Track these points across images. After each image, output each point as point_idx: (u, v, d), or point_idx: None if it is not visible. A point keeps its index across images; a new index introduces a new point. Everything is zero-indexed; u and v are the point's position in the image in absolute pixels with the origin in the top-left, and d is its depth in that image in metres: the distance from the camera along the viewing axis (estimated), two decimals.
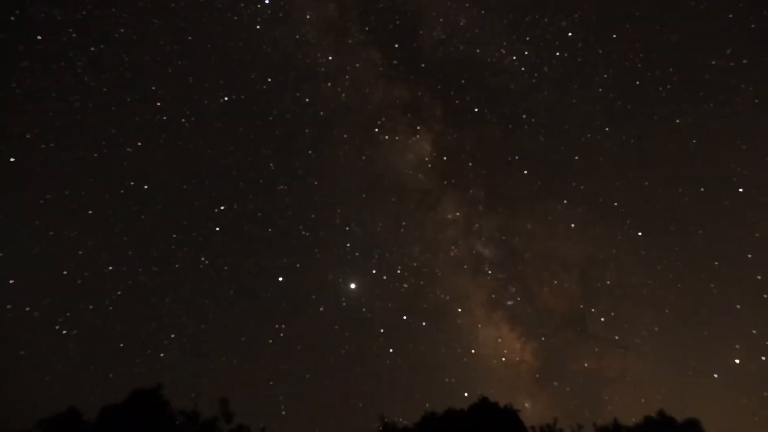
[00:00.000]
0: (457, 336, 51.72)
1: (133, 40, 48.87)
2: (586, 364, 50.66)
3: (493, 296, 54.61)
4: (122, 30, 48.19)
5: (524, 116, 58.95)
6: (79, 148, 45.59)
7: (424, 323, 51.02)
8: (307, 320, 49.01)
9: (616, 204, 54.33)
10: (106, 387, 38.85)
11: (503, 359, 51.25)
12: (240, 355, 45.40)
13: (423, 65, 60.15)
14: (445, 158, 59.55)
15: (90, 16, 46.66)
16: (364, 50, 58.87)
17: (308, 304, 49.46)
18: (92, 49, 46.76)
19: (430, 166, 58.89)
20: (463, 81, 59.98)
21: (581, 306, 53.35)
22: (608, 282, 53.17)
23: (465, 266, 56.01)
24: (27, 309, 38.85)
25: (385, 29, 59.60)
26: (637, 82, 56.26)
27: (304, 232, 52.22)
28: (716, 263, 49.76)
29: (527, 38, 58.60)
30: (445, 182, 58.51)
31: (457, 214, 57.46)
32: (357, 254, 52.85)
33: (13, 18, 42.64)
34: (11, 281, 39.12)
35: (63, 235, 42.57)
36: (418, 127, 59.42)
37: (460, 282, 55.31)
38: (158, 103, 49.11)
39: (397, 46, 59.77)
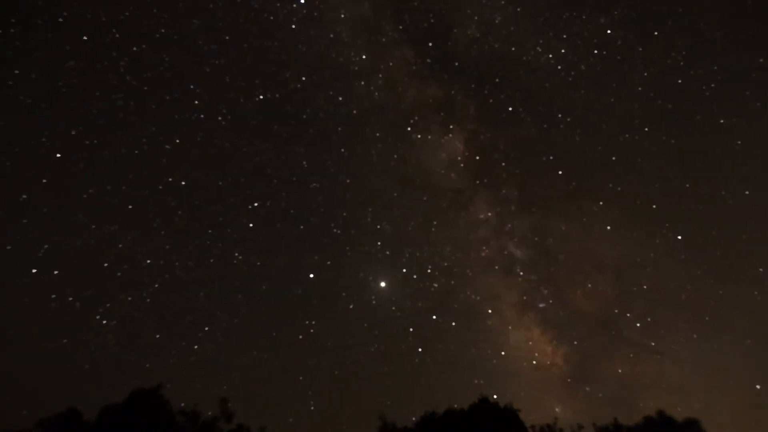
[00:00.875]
0: (488, 337, 51.00)
1: (173, 40, 50.55)
2: (620, 370, 49.28)
3: (525, 298, 53.65)
4: (163, 30, 49.93)
5: (560, 115, 57.78)
6: (120, 145, 47.33)
7: (453, 323, 50.53)
8: (337, 318, 49.20)
9: (654, 206, 52.64)
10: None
11: (534, 362, 50.31)
12: (271, 349, 45.94)
13: (456, 64, 59.65)
14: (477, 157, 58.89)
15: (132, 16, 48.70)
16: (398, 49, 58.88)
17: (338, 301, 49.71)
18: (134, 49, 48.60)
19: (462, 165, 58.35)
20: (497, 80, 59.21)
21: (616, 310, 51.84)
22: (645, 286, 51.53)
23: (496, 267, 55.24)
24: (70, 299, 40.67)
25: (418, 28, 59.44)
26: (679, 81, 54.35)
27: (335, 230, 52.61)
28: (761, 269, 47.71)
29: (564, 36, 57.41)
30: (478, 182, 57.85)
31: (489, 214, 56.75)
32: (388, 253, 52.84)
33: (61, 20, 44.58)
34: (55, 272, 40.95)
35: (104, 229, 44.30)
36: (451, 126, 58.96)
37: (491, 283, 54.60)
38: (196, 102, 50.46)
39: (430, 44, 59.50)
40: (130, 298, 42.97)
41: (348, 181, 54.44)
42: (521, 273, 54.42)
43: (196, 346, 43.09)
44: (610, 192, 54.14)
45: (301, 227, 51.92)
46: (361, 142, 56.58)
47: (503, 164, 57.78)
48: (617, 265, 53.57)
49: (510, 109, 58.45)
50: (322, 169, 54.24)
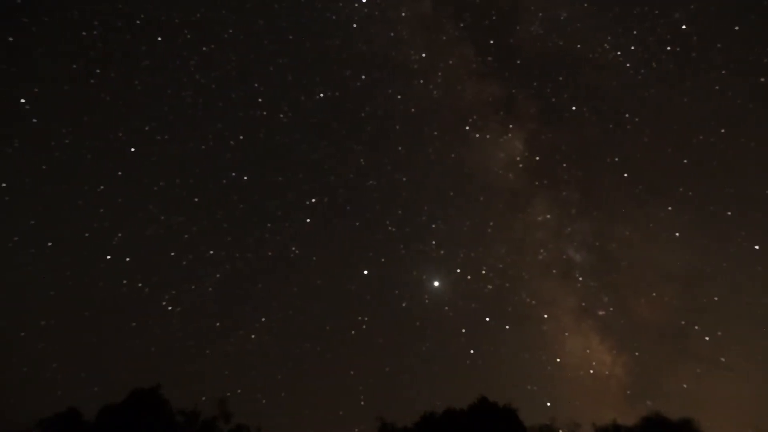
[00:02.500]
0: (542, 343, 49.44)
1: (240, 40, 52.32)
2: (685, 385, 46.49)
3: (583, 304, 51.70)
4: (231, 31, 51.71)
5: (627, 115, 55.02)
6: (188, 141, 49.69)
7: (507, 326, 49.44)
8: (390, 315, 49.26)
9: (729, 213, 49.11)
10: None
11: (591, 371, 48.36)
12: (324, 343, 46.90)
13: (518, 61, 58.05)
14: (537, 158, 57.10)
15: (203, 18, 50.62)
16: (458, 47, 58.03)
17: (391, 298, 49.76)
18: (204, 48, 50.71)
19: (521, 165, 56.77)
20: (560, 78, 57.10)
21: (682, 322, 48.91)
22: (716, 298, 48.23)
23: (554, 271, 53.45)
24: (139, 285, 43.26)
25: (480, 25, 58.27)
26: (762, 80, 50.63)
27: (390, 228, 52.75)
28: None
29: (634, 32, 54.52)
30: (537, 183, 56.04)
31: (548, 216, 54.93)
32: (442, 252, 52.41)
33: (138, 22, 47.33)
34: (127, 259, 43.55)
35: (172, 220, 46.73)
36: (511, 126, 57.44)
37: (548, 287, 52.96)
38: (259, 100, 52.06)
39: (492, 42, 58.15)
40: (193, 287, 45.42)
41: (404, 179, 54.50)
42: (580, 278, 52.47)
43: (253, 336, 44.65)
44: (680, 197, 51.09)
45: (357, 224, 52.58)
46: (419, 141, 56.43)
47: (564, 165, 55.82)
48: (685, 274, 50.57)
49: (573, 108, 56.39)
50: (378, 166, 54.59)
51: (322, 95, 53.96)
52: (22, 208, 41.59)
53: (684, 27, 52.84)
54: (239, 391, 41.25)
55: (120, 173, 45.66)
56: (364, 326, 47.30)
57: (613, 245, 52.74)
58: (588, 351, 49.04)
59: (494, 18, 57.53)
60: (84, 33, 45.27)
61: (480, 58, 57.97)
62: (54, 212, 43.21)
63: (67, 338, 39.26)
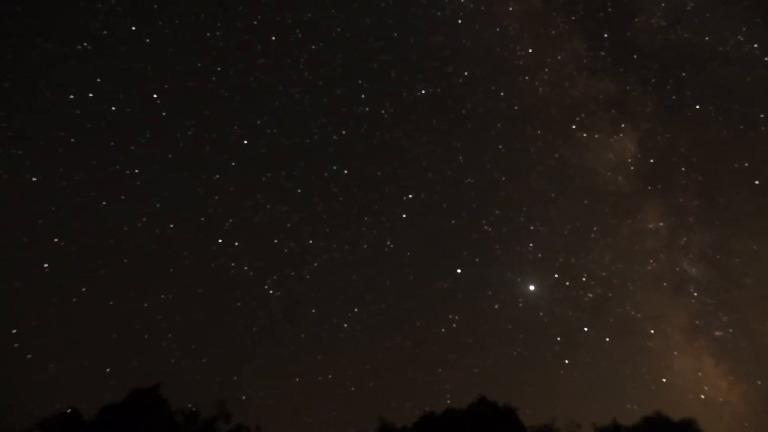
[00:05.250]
0: (647, 359, 45.90)
1: (346, 38, 53.75)
2: None
3: (698, 322, 47.35)
4: (338, 29, 52.89)
5: (762, 115, 49.47)
6: (294, 135, 51.58)
7: (607, 339, 46.64)
8: (481, 316, 48.52)
9: None
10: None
11: (702, 396, 44.10)
12: (413, 338, 47.17)
13: (635, 56, 54.26)
14: (651, 160, 52.98)
15: (314, 17, 52.36)
16: (568, 41, 55.21)
17: (483, 299, 48.74)
18: (313, 47, 52.62)
19: (632, 168, 52.84)
20: (683, 73, 52.39)
21: None
22: None
23: (664, 283, 49.43)
24: (245, 268, 45.92)
25: (594, 18, 54.98)
26: None
27: (486, 227, 51.70)
28: None
29: None
30: (650, 187, 52.07)
31: (661, 224, 50.76)
32: (540, 255, 50.48)
33: (255, 22, 50.61)
34: (236, 243, 46.42)
35: (276, 209, 48.76)
36: (623, 125, 53.70)
37: (656, 300, 49.06)
38: (362, 96, 53.20)
39: (606, 35, 54.81)
40: (293, 273, 47.22)
41: (503, 178, 53.20)
42: (695, 294, 48.14)
43: (345, 325, 46.17)
44: None
45: (452, 222, 52.13)
46: (521, 140, 54.70)
47: (683, 169, 51.19)
48: None
49: (697, 107, 51.63)
50: (477, 164, 53.49)
51: (423, 92, 54.08)
52: (148, 192, 45.68)
53: None
54: (324, 377, 43.20)
55: (233, 164, 48.96)
56: (454, 325, 47.02)
57: (736, 260, 47.90)
58: (700, 374, 45.07)
59: (610, 10, 54.22)
60: (208, 34, 49.08)
61: (592, 53, 54.98)
62: (175, 197, 46.80)
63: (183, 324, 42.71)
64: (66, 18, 44.84)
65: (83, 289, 41.02)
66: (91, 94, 44.53)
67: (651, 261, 49.73)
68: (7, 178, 40.90)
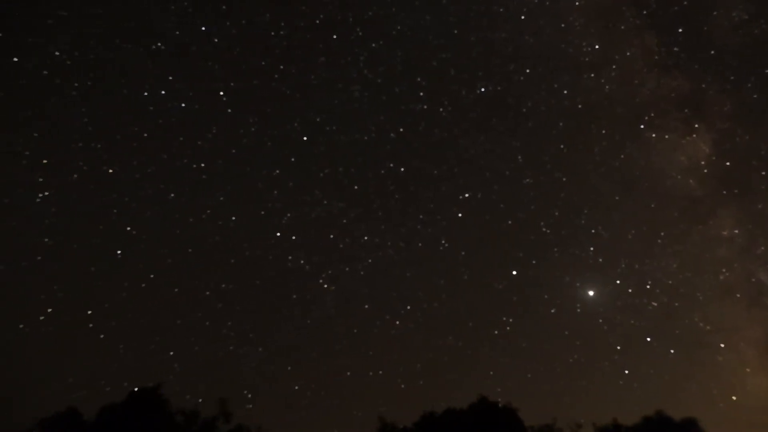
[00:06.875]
0: (715, 375, 43.99)
1: (407, 36, 53.46)
2: None
3: None
4: (399, 27, 52.46)
5: None
6: (353, 132, 51.57)
7: (672, 351, 44.22)
8: (537, 320, 47.36)
9: None
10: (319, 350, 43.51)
11: None
12: (465, 338, 46.72)
13: (712, 52, 51.08)
14: (728, 163, 49.60)
15: (375, 16, 52.06)
16: (638, 36, 52.51)
17: (540, 303, 47.23)
18: (373, 45, 52.67)
19: (705, 171, 49.80)
20: (766, 70, 49.28)
21: None
22: None
23: (738, 295, 46.26)
24: (301, 262, 46.46)
25: (667, 12, 51.98)
26: None
27: (544, 229, 50.16)
28: None
29: None
30: (724, 192, 48.67)
31: (736, 231, 47.49)
32: (600, 260, 48.51)
33: (317, 21, 51.52)
34: (293, 237, 47.02)
35: (333, 205, 48.87)
36: (696, 125, 50.61)
37: (729, 312, 45.96)
38: (420, 94, 52.84)
39: (680, 30, 51.98)
40: (347, 269, 47.40)
41: (564, 179, 51.43)
42: None
43: (397, 322, 46.38)
44: None
45: (509, 222, 51.15)
46: (584, 139, 52.84)
47: (763, 173, 47.98)
48: None
49: None
50: (537, 164, 51.99)
51: (483, 90, 53.05)
52: (212, 186, 46.73)
53: None
54: (374, 372, 43.37)
55: (293, 159, 49.67)
56: (508, 327, 46.20)
57: None
58: None
59: (686, 3, 51.24)
60: (272, 33, 50.48)
61: (664, 49, 52.13)
62: (238, 191, 47.81)
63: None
64: (141, 19, 46.03)
65: (151, 276, 42.46)
66: (163, 92, 45.75)
67: (723, 270, 46.68)
68: (87, 170, 42.66)
